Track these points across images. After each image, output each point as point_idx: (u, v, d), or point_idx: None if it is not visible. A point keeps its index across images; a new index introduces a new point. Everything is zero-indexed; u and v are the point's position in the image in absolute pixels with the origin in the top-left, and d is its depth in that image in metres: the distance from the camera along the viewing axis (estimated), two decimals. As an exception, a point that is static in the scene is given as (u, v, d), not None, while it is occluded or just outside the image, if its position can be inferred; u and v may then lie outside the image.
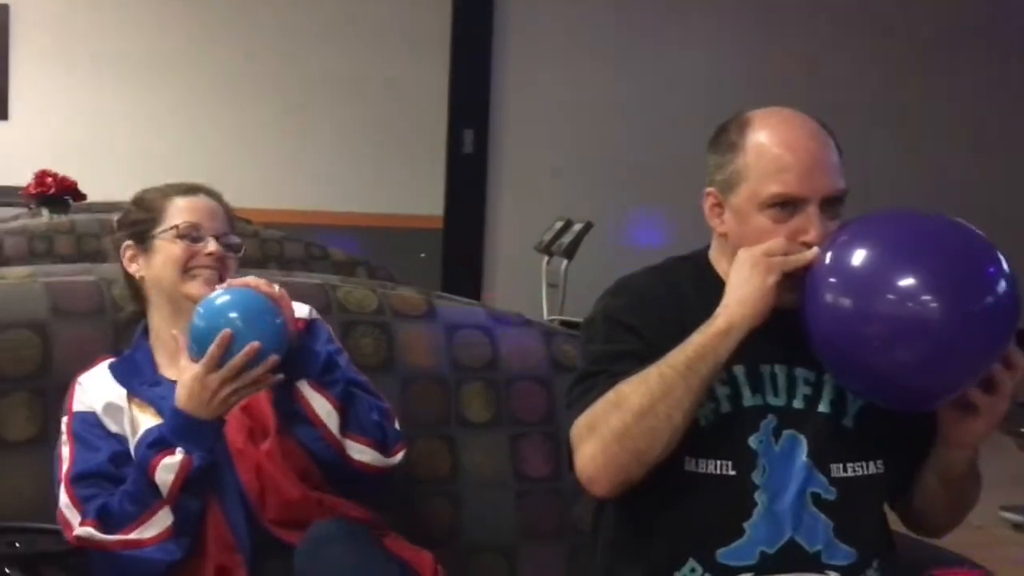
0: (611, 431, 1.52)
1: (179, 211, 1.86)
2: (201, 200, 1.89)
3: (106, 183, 5.04)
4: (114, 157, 6.42)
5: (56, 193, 4.75)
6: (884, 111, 7.18)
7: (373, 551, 1.67)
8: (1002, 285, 1.47)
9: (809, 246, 1.56)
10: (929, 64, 7.33)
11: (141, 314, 1.89)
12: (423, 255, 6.91)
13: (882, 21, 7.33)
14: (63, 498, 1.70)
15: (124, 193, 4.26)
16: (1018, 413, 4.29)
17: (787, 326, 1.57)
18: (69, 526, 1.68)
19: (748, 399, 1.62)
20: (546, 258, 6.12)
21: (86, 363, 1.84)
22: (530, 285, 6.01)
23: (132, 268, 1.88)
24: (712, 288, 1.62)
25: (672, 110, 6.98)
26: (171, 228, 1.84)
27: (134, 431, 1.76)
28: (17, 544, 1.63)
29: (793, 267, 1.54)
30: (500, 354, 2.08)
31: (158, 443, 1.68)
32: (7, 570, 1.55)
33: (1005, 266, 1.49)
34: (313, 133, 6.90)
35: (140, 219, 1.88)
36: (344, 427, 1.75)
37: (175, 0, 6.73)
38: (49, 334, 1.88)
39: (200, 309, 1.69)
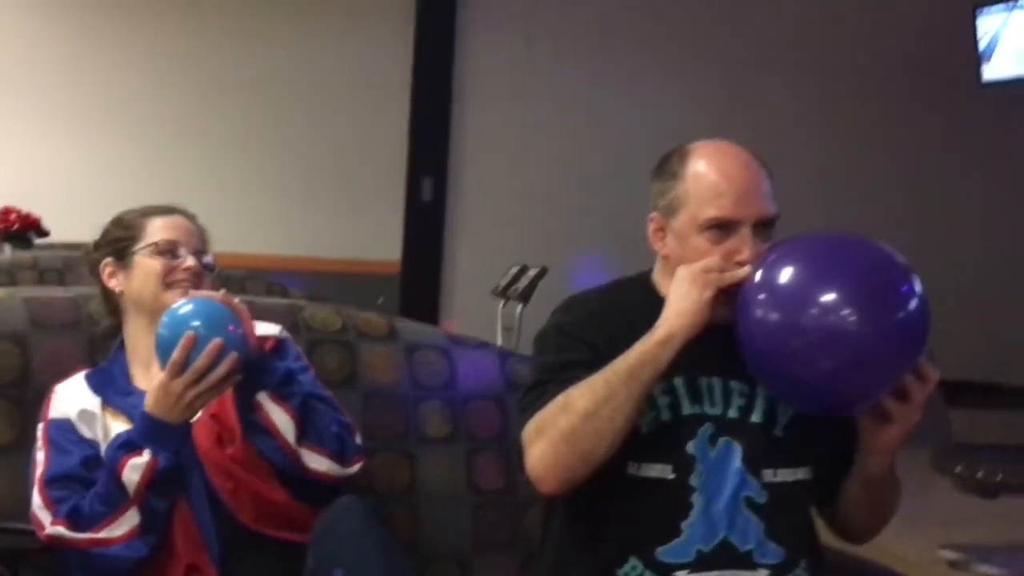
0: (559, 432, 1.64)
1: (158, 229, 1.97)
2: (178, 219, 2.00)
3: (67, 225, 5.12)
4: (75, 200, 6.46)
5: (19, 229, 4.83)
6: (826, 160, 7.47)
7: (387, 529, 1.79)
8: (914, 302, 1.62)
9: (743, 265, 1.70)
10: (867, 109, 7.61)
11: (117, 328, 1.99)
12: (381, 299, 7.00)
13: (831, 71, 7.60)
14: (36, 499, 1.79)
15: (84, 235, 4.34)
16: (953, 454, 4.47)
17: (723, 341, 1.70)
18: (41, 526, 1.77)
19: (687, 408, 1.74)
20: (502, 302, 6.26)
21: (63, 373, 1.93)
22: (486, 328, 6.12)
23: (112, 283, 1.97)
24: (655, 305, 1.74)
25: (624, 160, 7.16)
26: (150, 245, 1.95)
27: (106, 437, 1.85)
28: (-2, 541, 1.71)
29: (727, 283, 1.68)
30: (457, 374, 2.19)
31: (126, 445, 1.77)
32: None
33: (918, 285, 1.63)
34: (274, 178, 7.00)
35: (120, 237, 1.98)
36: (301, 437, 1.84)
37: (136, 44, 6.79)
38: (28, 345, 1.97)
39: (164, 318, 1.78)
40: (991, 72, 6.25)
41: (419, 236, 7.33)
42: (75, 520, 1.76)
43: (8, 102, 6.61)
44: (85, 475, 1.81)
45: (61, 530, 1.75)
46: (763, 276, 1.65)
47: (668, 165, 1.79)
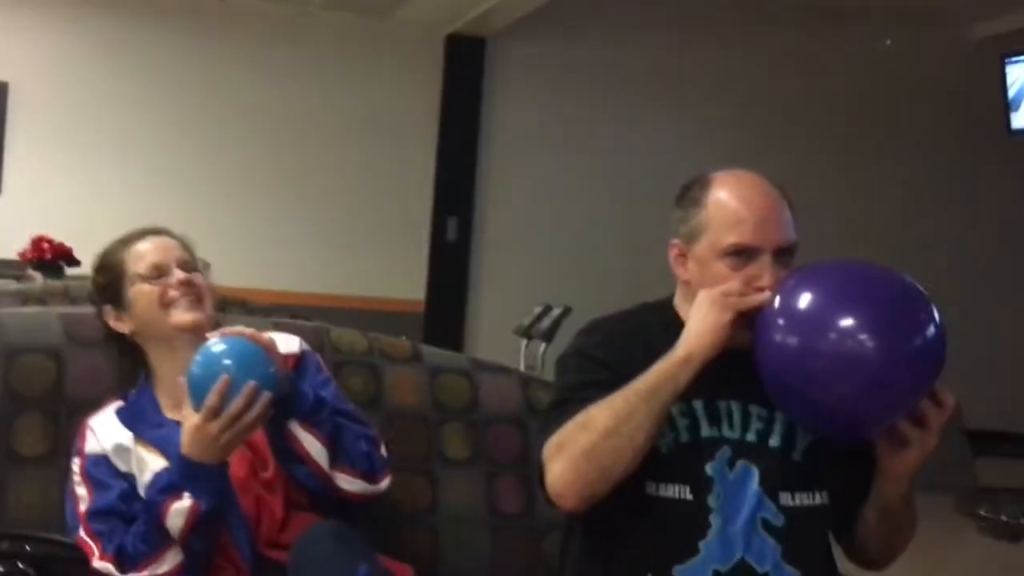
0: (579, 449, 1.67)
1: (137, 258, 1.98)
2: (154, 240, 2.01)
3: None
4: (106, 232, 6.56)
5: (52, 259, 4.91)
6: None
7: (364, 549, 1.79)
8: (931, 328, 1.65)
9: (763, 291, 1.73)
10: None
11: (139, 362, 2.00)
12: (404, 338, 7.03)
13: (857, 119, 7.64)
14: (81, 532, 1.82)
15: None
16: (977, 496, 4.45)
17: (743, 366, 1.73)
18: (91, 553, 1.79)
19: (706, 430, 1.77)
20: (525, 341, 6.29)
21: (97, 387, 1.98)
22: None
23: (121, 328, 1.98)
24: (675, 329, 1.78)
25: (648, 202, 7.20)
26: (136, 276, 1.96)
27: (141, 470, 1.87)
28: (28, 547, 1.75)
29: (747, 307, 1.71)
30: (480, 397, 2.23)
31: (167, 489, 1.78)
32: (20, 565, 1.66)
33: (935, 312, 1.66)
34: (300, 216, 7.07)
35: (108, 283, 1.99)
36: (333, 461, 1.86)
37: (168, 79, 6.90)
38: (63, 360, 2.02)
39: (197, 358, 1.78)
40: (1019, 120, 6.27)
41: (443, 275, 7.38)
42: (121, 558, 1.78)
43: (44, 132, 6.72)
44: (125, 510, 1.83)
45: (110, 567, 1.77)
46: (783, 300, 1.69)
47: (690, 192, 1.83)
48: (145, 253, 1.98)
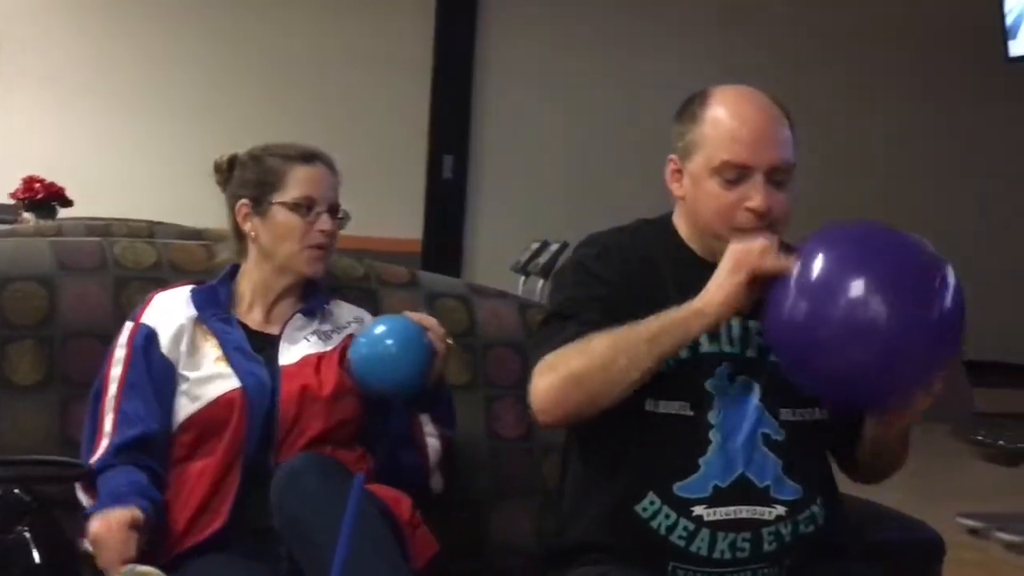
0: (570, 371, 1.66)
1: (298, 182, 1.95)
2: (318, 170, 1.98)
3: (90, 197, 5.17)
4: (97, 178, 6.53)
5: (43, 198, 4.86)
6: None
7: (348, 483, 1.79)
8: (953, 307, 1.59)
9: (754, 211, 1.70)
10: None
11: (235, 266, 2.00)
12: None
13: (852, 48, 7.58)
14: (105, 400, 1.82)
15: (108, 211, 4.35)
16: (975, 423, 4.47)
17: None
18: (98, 445, 1.79)
19: (705, 346, 1.75)
20: (522, 278, 6.27)
21: (89, 315, 1.96)
22: (506, 303, 6.13)
23: (246, 226, 1.97)
24: (673, 246, 1.77)
25: (643, 135, 7.17)
26: (290, 200, 1.94)
27: (191, 352, 1.88)
28: (25, 470, 1.74)
29: (763, 271, 1.63)
30: (477, 322, 2.21)
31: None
32: (16, 490, 1.66)
33: (958, 290, 1.61)
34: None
35: (259, 180, 1.97)
36: (439, 462, 1.96)
37: (156, 16, 6.83)
38: (54, 287, 2.00)
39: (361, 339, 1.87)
40: (1017, 48, 6.22)
41: (440, 214, 7.36)
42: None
43: (36, 75, 6.67)
44: (154, 389, 1.84)
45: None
46: (800, 272, 1.61)
47: (689, 107, 1.80)
48: (306, 180, 1.96)
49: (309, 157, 1.99)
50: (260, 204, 1.95)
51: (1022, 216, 7.89)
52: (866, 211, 7.72)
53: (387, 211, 7.17)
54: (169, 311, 1.91)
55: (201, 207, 2.07)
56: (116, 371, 1.85)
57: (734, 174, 1.71)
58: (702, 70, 7.36)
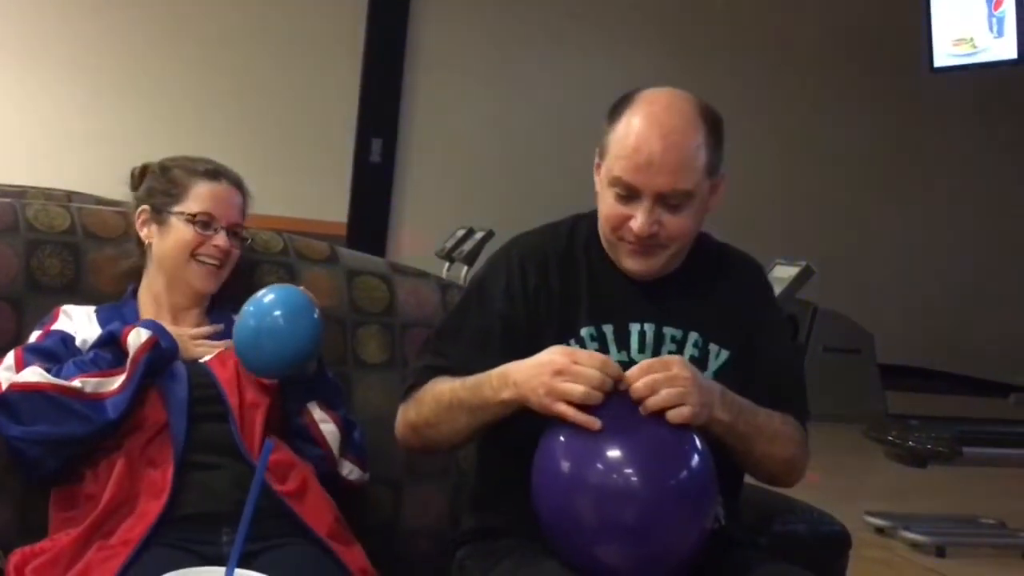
0: (408, 421, 1.77)
1: (199, 196, 1.94)
2: (222, 187, 1.97)
3: (10, 168, 5.04)
4: (19, 144, 6.39)
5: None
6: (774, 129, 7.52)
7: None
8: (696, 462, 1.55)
9: (636, 233, 1.68)
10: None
11: (136, 272, 1.98)
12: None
13: (779, 48, 7.66)
14: (7, 360, 1.77)
15: (28, 178, 4.24)
16: (886, 424, 4.54)
17: (660, 290, 1.73)
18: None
19: (614, 355, 1.72)
20: (447, 264, 6.26)
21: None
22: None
23: (143, 232, 1.97)
24: (594, 245, 1.79)
25: (573, 125, 7.19)
26: (188, 213, 1.93)
27: None
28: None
29: (552, 412, 1.58)
30: (397, 301, 2.20)
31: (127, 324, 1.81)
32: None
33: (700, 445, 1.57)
34: (223, 134, 6.92)
35: (163, 190, 1.96)
36: (344, 448, 1.92)
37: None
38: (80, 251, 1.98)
39: (249, 308, 1.81)
40: (941, 59, 6.32)
41: (366, 197, 7.31)
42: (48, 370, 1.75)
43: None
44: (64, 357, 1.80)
45: (40, 371, 1.72)
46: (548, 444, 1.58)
47: (616, 107, 1.75)
48: (208, 196, 1.95)
49: (214, 174, 1.98)
50: (160, 213, 1.96)
51: (937, 222, 8.07)
52: (790, 217, 7.81)
53: (313, 193, 7.11)
54: (77, 323, 1.87)
55: (122, 181, 2.03)
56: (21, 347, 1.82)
57: (625, 191, 1.69)
58: (634, 66, 7.42)
